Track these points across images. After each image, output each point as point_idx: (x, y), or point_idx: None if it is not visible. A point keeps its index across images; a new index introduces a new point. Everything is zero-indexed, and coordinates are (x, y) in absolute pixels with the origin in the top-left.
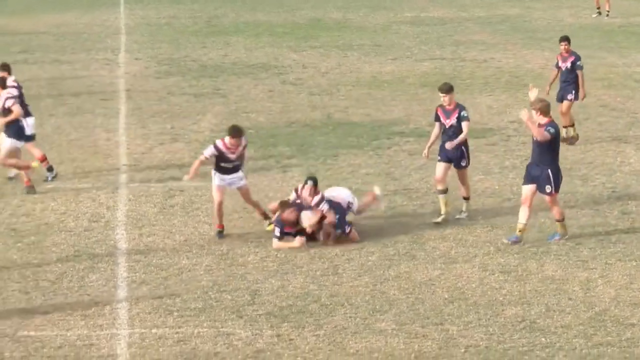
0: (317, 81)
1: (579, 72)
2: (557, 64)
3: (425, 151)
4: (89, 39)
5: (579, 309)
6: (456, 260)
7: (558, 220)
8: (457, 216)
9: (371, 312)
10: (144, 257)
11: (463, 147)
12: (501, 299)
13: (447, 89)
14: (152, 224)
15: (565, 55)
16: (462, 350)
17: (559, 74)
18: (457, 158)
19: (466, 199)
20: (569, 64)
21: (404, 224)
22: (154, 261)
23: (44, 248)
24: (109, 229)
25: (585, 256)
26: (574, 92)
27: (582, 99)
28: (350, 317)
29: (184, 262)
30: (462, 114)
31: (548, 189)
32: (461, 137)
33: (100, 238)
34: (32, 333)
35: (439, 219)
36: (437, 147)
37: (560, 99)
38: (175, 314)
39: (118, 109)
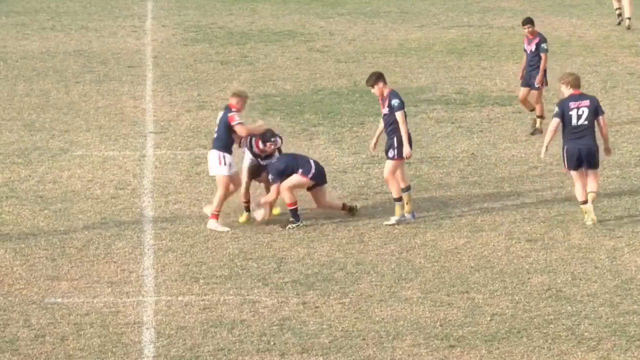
0: (344, 48)
1: (542, 55)
2: (524, 47)
3: (372, 143)
4: (116, 6)
5: (605, 278)
6: (482, 229)
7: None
8: (386, 223)
9: (397, 280)
10: (170, 224)
11: (395, 137)
12: (527, 267)
13: (372, 82)
14: (179, 192)
15: (530, 37)
16: (488, 319)
17: (525, 58)
18: (386, 148)
19: (396, 200)
20: (533, 47)
21: (430, 192)
22: (180, 229)
23: (70, 215)
24: (135, 196)
25: (612, 225)
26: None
27: (539, 83)
28: (375, 285)
29: (210, 230)
30: (392, 103)
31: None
32: (402, 129)
33: (127, 205)
34: (58, 300)
35: (391, 221)
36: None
37: (526, 84)
38: (201, 281)
39: (145, 76)
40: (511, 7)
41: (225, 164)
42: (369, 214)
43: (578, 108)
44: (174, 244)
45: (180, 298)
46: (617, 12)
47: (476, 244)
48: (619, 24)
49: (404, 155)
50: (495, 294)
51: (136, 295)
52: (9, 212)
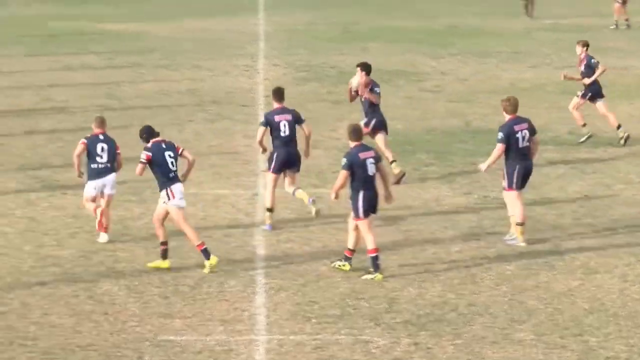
0: (455, 88)
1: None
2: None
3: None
4: (229, 46)
5: None
6: (596, 271)
7: None
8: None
9: (509, 322)
10: (282, 263)
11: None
12: None
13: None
14: (290, 230)
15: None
16: None
17: None
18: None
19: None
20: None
21: (543, 233)
22: (292, 267)
23: (183, 253)
24: (248, 235)
25: None
26: None
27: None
28: (488, 326)
29: (321, 268)
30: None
31: None
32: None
33: (239, 244)
34: (171, 337)
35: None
36: None
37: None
38: (313, 320)
39: (257, 115)
40: (620, 47)
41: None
42: (481, 255)
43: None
44: (285, 283)
45: (292, 337)
46: None
47: (590, 286)
48: None
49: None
50: (609, 337)
51: (248, 333)
52: (122, 249)
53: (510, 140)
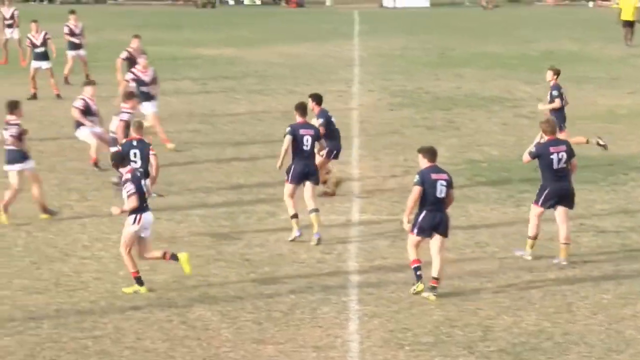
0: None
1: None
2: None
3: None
4: (323, 71)
5: None
6: None
7: None
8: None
9: (607, 351)
10: (375, 289)
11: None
12: None
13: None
14: (384, 257)
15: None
16: None
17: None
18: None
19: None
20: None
21: (639, 262)
22: (385, 294)
23: (277, 279)
24: (341, 260)
25: None
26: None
27: None
28: (584, 356)
29: (415, 296)
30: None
31: None
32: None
33: (333, 270)
34: None
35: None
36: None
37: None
38: (407, 348)
39: (351, 140)
40: None
41: None
42: (577, 283)
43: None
44: (379, 310)
45: None
46: None
47: None
48: None
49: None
50: None
51: None
52: (216, 274)
53: (544, 161)
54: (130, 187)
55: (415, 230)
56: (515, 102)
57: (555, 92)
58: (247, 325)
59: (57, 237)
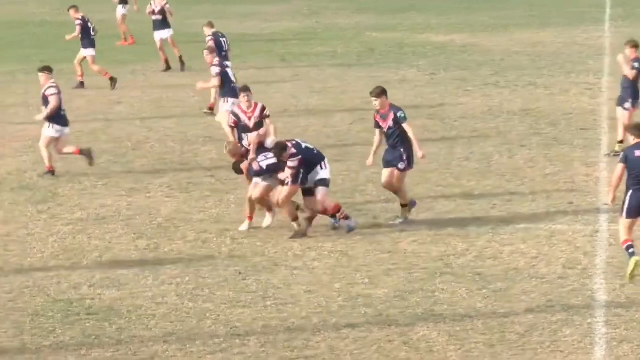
0: None
1: None
2: None
3: (370, 159)
4: (569, 60)
5: None
6: None
7: None
8: (391, 222)
9: None
10: (625, 311)
11: (402, 149)
12: None
13: (377, 93)
14: (636, 273)
15: None
16: None
17: None
18: (395, 159)
19: (403, 206)
20: None
21: None
22: (637, 316)
23: (512, 296)
24: (586, 277)
25: None
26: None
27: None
28: None
29: None
30: (398, 115)
31: None
32: (412, 137)
33: (576, 287)
34: None
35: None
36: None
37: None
38: None
39: (599, 141)
40: None
41: None
42: None
43: None
44: (630, 334)
45: None
46: None
47: None
48: None
49: (420, 157)
50: None
51: None
52: (443, 289)
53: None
54: None
55: (624, 213)
56: None
57: (636, 64)
58: (478, 347)
59: (266, 244)
